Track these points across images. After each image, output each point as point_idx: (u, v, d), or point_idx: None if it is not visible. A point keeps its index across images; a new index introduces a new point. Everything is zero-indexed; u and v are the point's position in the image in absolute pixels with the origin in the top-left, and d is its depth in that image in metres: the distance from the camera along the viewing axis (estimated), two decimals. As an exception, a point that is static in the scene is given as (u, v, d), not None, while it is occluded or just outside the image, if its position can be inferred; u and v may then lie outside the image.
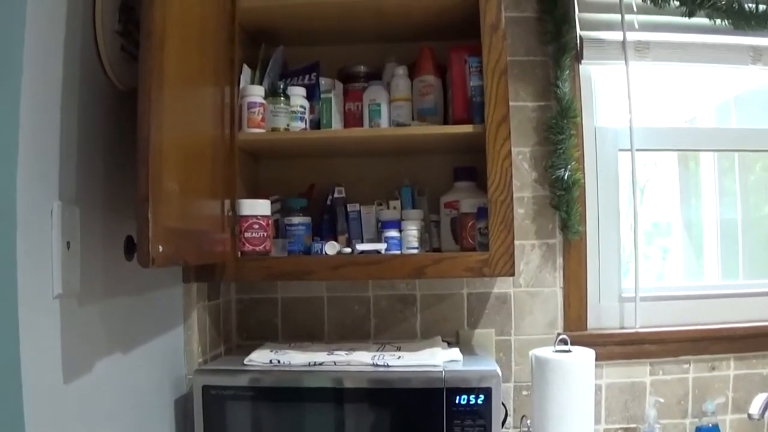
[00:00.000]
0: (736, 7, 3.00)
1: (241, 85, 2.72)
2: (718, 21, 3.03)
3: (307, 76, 2.91)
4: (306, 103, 2.80)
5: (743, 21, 3.01)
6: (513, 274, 2.57)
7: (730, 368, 3.09)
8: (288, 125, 2.74)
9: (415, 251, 2.75)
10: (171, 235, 1.92)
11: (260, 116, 2.69)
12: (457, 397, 2.37)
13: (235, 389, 2.44)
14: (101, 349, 2.05)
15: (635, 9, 3.14)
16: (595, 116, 3.20)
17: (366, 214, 2.93)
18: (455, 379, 2.38)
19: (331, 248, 2.71)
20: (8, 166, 1.63)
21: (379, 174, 3.09)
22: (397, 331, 3.11)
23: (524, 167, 3.10)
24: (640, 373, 3.07)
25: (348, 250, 2.74)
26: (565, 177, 2.99)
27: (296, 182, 3.07)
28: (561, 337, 2.78)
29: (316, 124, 2.85)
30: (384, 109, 2.84)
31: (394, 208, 2.91)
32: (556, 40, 3.07)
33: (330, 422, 2.44)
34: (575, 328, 3.07)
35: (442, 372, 2.40)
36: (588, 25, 3.15)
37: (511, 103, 2.59)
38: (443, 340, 2.87)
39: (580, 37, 3.12)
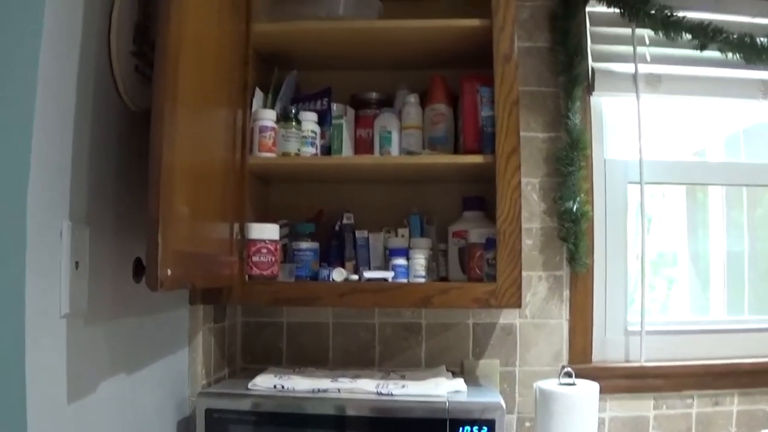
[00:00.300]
0: (748, 41, 3.01)
1: (253, 109, 2.72)
2: (730, 55, 3.04)
3: (319, 102, 2.91)
4: (317, 129, 2.80)
5: (755, 55, 3.01)
6: (520, 306, 2.56)
7: (733, 404, 3.07)
8: (299, 150, 2.74)
9: (422, 280, 2.75)
10: (180, 259, 1.91)
11: (271, 140, 2.69)
12: (461, 428, 2.36)
13: (238, 413, 2.43)
14: (106, 369, 2.05)
15: (647, 41, 3.15)
16: (605, 148, 3.20)
17: (374, 241, 2.92)
18: (459, 410, 2.37)
19: (338, 274, 2.71)
20: (19, 184, 1.63)
21: (388, 201, 3.09)
22: (401, 359, 3.10)
23: (533, 198, 3.10)
24: (644, 407, 3.06)
25: (355, 277, 2.74)
26: (574, 209, 2.99)
27: (305, 207, 3.07)
28: (565, 369, 2.77)
29: (326, 150, 2.86)
30: (395, 136, 2.85)
31: (403, 236, 2.90)
32: (567, 71, 3.08)
33: (333, 450, 2.44)
34: (580, 360, 3.06)
35: (445, 402, 2.39)
36: (600, 57, 3.16)
37: (521, 134, 2.60)
38: (448, 370, 2.86)
39: (592, 68, 3.13)
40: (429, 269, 2.79)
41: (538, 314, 3.09)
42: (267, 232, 2.65)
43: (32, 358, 1.63)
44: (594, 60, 3.15)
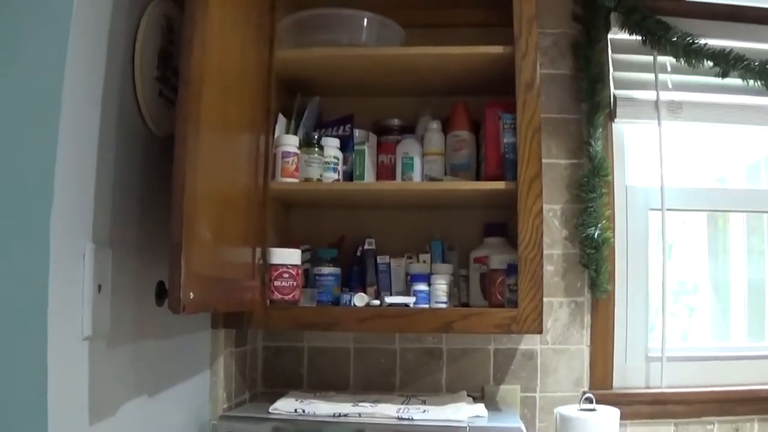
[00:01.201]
0: (770, 68, 3.02)
1: (275, 134, 2.73)
2: (751, 82, 3.04)
3: (341, 128, 2.93)
4: (339, 154, 2.82)
5: (776, 82, 3.03)
6: (541, 332, 2.55)
7: (753, 430, 3.05)
8: (321, 176, 2.75)
9: (444, 305, 2.74)
10: (202, 282, 1.92)
11: (294, 166, 2.69)
12: (481, 453, 2.36)
13: (259, 437, 2.44)
14: (128, 392, 2.06)
15: (669, 69, 3.16)
16: (627, 175, 3.20)
17: (396, 266, 2.93)
18: (479, 435, 2.37)
19: (359, 300, 2.71)
20: (43, 207, 1.65)
21: (409, 227, 3.09)
22: (422, 384, 3.09)
23: (555, 224, 3.10)
24: (665, 433, 3.05)
25: (377, 302, 2.73)
26: (595, 235, 2.99)
27: (327, 232, 3.08)
28: (586, 395, 2.77)
29: (348, 176, 2.87)
30: (417, 162, 2.86)
31: (424, 261, 2.90)
32: (589, 98, 3.08)
33: (353, 475, 2.43)
34: (601, 386, 3.05)
35: (466, 427, 2.38)
36: (622, 84, 3.17)
37: (543, 160, 2.59)
38: (468, 395, 2.85)
39: (614, 95, 3.14)
40: (450, 295, 2.79)
41: (559, 340, 3.08)
42: (289, 257, 2.65)
43: (54, 380, 1.64)
44: (616, 87, 3.15)
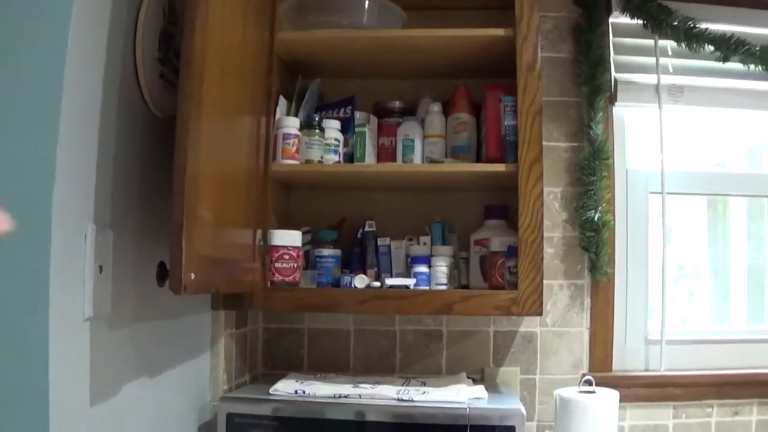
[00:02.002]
0: (771, 52, 3.02)
1: (276, 116, 2.73)
2: (752, 66, 3.04)
3: (342, 110, 2.92)
4: (340, 136, 2.82)
5: (777, 67, 3.03)
6: (541, 314, 2.56)
7: (752, 413, 3.06)
8: (322, 157, 2.75)
9: (444, 287, 2.75)
10: (203, 263, 1.92)
11: (295, 148, 2.70)
12: (481, 435, 2.37)
13: (259, 418, 2.43)
14: (129, 372, 2.07)
15: (670, 53, 3.16)
16: (627, 158, 3.20)
17: (396, 248, 2.93)
18: (479, 416, 2.37)
19: (360, 281, 2.71)
20: (45, 188, 1.65)
21: (410, 209, 3.09)
22: (422, 366, 3.10)
23: (555, 207, 3.10)
24: (663, 416, 3.05)
25: (377, 284, 2.74)
26: (596, 218, 2.99)
27: (327, 214, 3.08)
28: (586, 377, 2.77)
29: (349, 158, 2.87)
30: (417, 144, 2.86)
31: (424, 243, 2.91)
32: (590, 81, 3.08)
33: (353, 455, 2.44)
34: (600, 369, 3.06)
35: (466, 409, 2.38)
36: (622, 68, 3.17)
37: (543, 143, 2.60)
38: (468, 377, 2.86)
39: (615, 79, 3.14)
40: (450, 277, 2.80)
41: (559, 322, 3.09)
42: (289, 238, 2.66)
43: (56, 360, 1.65)
44: (617, 71, 3.15)
